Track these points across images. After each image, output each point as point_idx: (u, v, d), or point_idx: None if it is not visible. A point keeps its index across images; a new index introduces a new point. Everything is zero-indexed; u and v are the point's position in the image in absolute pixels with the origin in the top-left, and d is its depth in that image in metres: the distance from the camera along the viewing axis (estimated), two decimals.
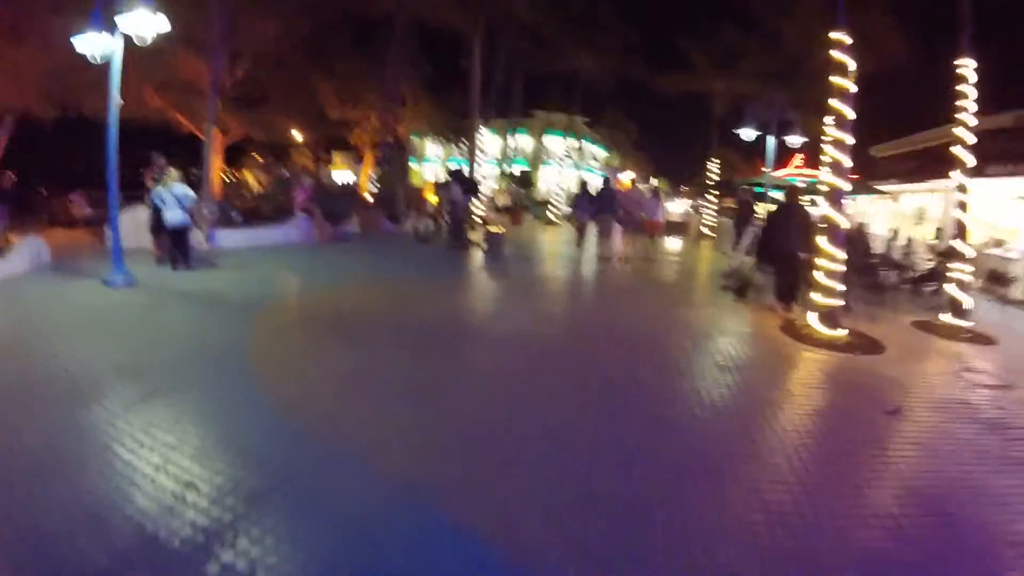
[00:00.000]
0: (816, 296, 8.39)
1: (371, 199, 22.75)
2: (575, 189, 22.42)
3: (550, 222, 29.58)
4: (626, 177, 68.61)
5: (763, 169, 35.94)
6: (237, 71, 22.42)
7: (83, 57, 10.09)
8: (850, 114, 8.06)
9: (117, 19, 9.12)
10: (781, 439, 4.84)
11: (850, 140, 8.10)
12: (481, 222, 24.37)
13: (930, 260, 14.56)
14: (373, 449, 4.37)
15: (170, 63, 20.51)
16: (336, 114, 29.35)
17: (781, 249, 9.46)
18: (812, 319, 8.38)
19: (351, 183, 36.57)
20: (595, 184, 19.58)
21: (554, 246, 20.25)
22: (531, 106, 41.34)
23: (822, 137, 16.51)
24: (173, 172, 12.23)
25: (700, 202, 40.38)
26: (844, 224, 8.40)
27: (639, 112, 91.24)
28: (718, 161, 27.88)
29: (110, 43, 9.64)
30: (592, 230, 16.56)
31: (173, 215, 11.77)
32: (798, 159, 33.00)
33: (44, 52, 16.68)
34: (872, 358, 7.53)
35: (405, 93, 30.11)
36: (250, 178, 46.60)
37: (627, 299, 11.07)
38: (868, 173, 25.33)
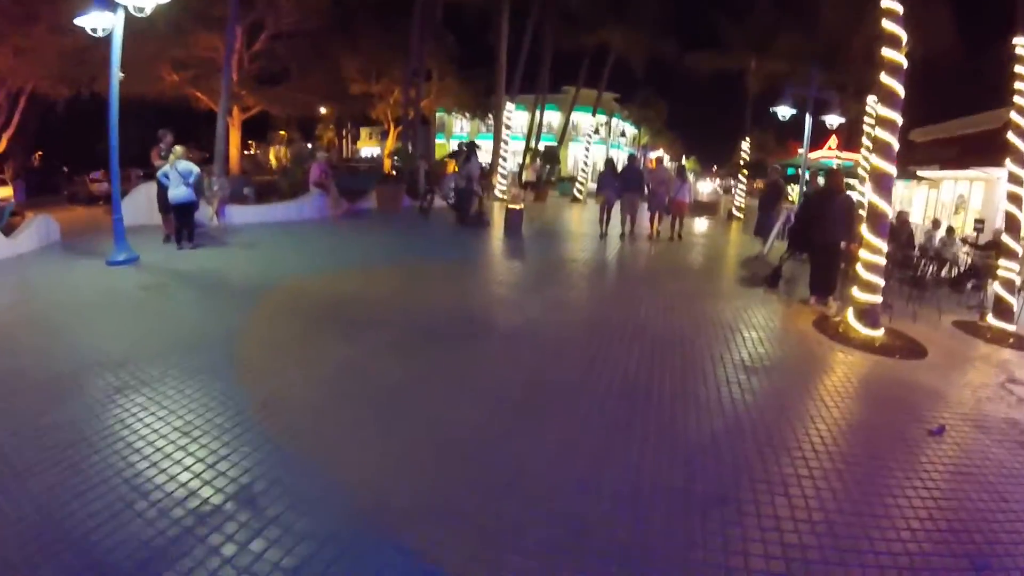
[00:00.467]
0: (855, 291, 7.73)
1: (394, 174, 22.27)
2: (602, 166, 21.70)
3: (575, 199, 28.91)
4: (655, 155, 67.62)
5: (798, 151, 34.99)
6: (255, 45, 22.13)
7: (95, 36, 9.92)
8: (901, 91, 7.29)
9: None
10: (808, 464, 4.27)
11: (900, 120, 7.35)
12: (501, 197, 23.91)
13: (968, 254, 13.74)
14: (344, 463, 3.92)
15: (187, 39, 20.33)
16: (358, 88, 28.95)
17: (820, 237, 8.78)
18: (850, 316, 7.71)
19: (376, 158, 36.39)
20: (622, 161, 18.79)
21: (577, 224, 19.66)
22: (560, 82, 40.54)
23: (864, 118, 15.86)
24: (178, 149, 11.85)
25: (731, 182, 39.45)
26: (890, 213, 7.72)
27: (670, 91, 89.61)
28: (750, 141, 26.84)
29: (111, 18, 9.44)
30: (617, 208, 15.87)
31: (177, 192, 11.49)
32: (833, 141, 31.95)
33: (57, 33, 16.68)
34: (912, 363, 6.87)
35: (430, 67, 29.56)
36: (273, 154, 46.86)
37: (648, 286, 10.35)
38: (907, 158, 24.22)
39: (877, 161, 7.49)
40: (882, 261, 7.48)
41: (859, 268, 7.68)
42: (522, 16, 28.49)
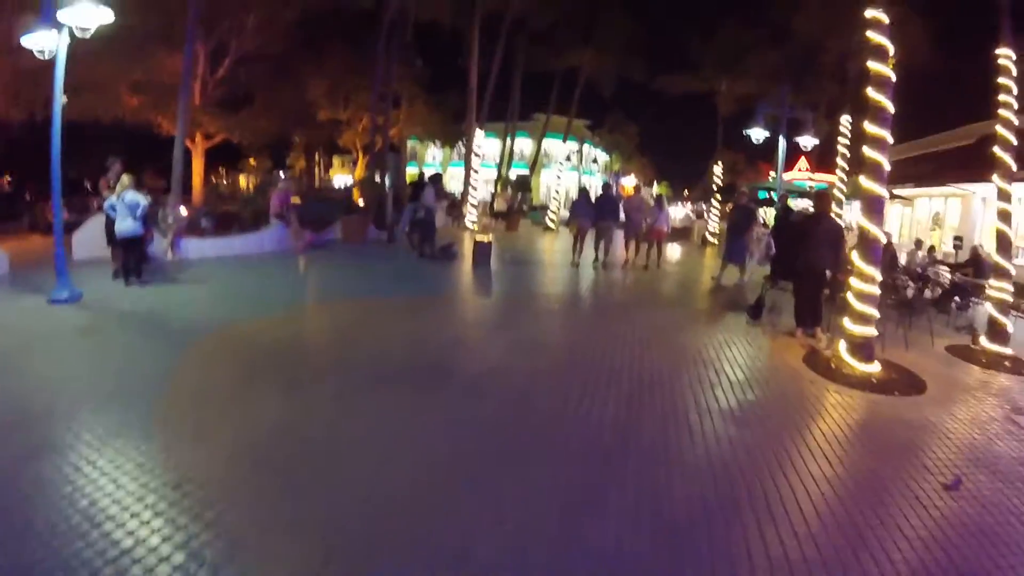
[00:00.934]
0: (848, 323, 7.15)
1: (359, 204, 21.60)
2: (575, 193, 21.37)
3: (548, 228, 28.40)
4: (629, 182, 67.80)
5: (770, 173, 35.00)
6: (218, 71, 21.48)
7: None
8: (890, 106, 6.79)
9: (59, 13, 8.60)
10: (816, 540, 3.64)
11: (890, 138, 6.85)
12: (471, 227, 23.36)
13: (948, 271, 13.38)
14: (254, 551, 3.23)
15: (147, 62, 19.62)
16: (326, 115, 28.34)
17: (806, 265, 8.24)
18: (842, 350, 7.14)
19: (347, 187, 35.66)
20: (595, 188, 18.42)
21: (549, 254, 19.12)
22: (531, 110, 40.33)
23: (839, 139, 15.65)
24: (125, 179, 11.18)
25: (703, 207, 39.32)
26: (882, 238, 7.18)
27: (641, 115, 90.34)
28: (722, 164, 26.65)
29: (55, 39, 9.12)
30: (591, 237, 15.51)
31: (123, 225, 10.82)
32: (803, 163, 31.91)
33: (8, 53, 15.92)
34: (912, 400, 6.32)
35: (399, 92, 29.05)
36: (244, 182, 46.00)
37: (623, 320, 9.60)
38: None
39: (867, 183, 6.97)
40: (875, 290, 6.94)
41: (851, 298, 7.11)
42: (492, 39, 28.21)
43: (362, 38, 24.18)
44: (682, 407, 5.70)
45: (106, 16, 8.95)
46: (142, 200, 11.06)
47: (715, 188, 25.84)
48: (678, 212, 32.80)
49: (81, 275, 10.34)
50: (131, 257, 10.97)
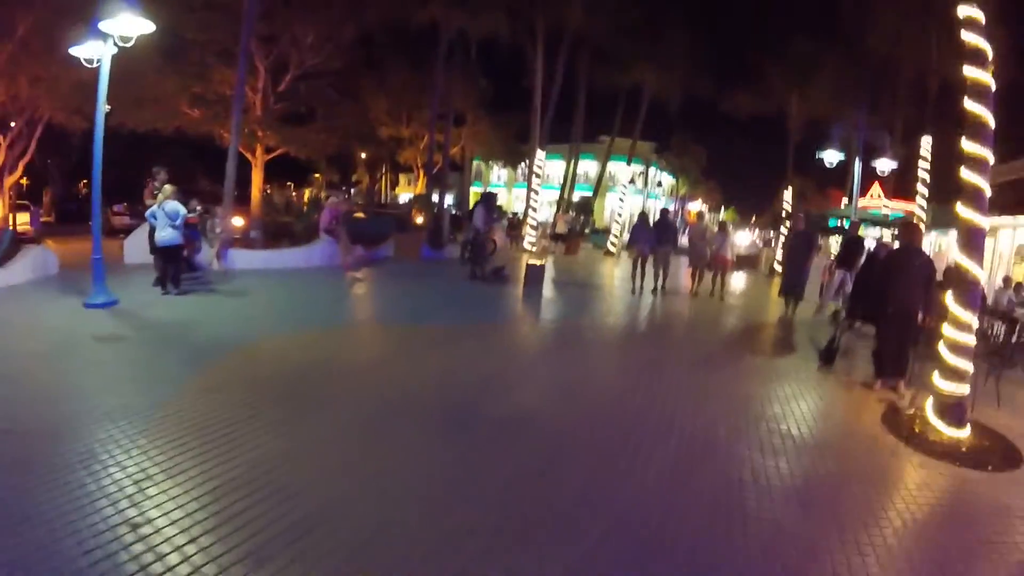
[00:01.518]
0: (938, 380, 6.03)
1: (417, 222, 21.33)
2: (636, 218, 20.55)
3: (609, 252, 27.53)
4: (695, 207, 66.31)
5: (842, 199, 33.21)
6: (280, 86, 21.58)
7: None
8: (990, 120, 5.71)
9: (101, 24, 8.94)
10: None
11: (991, 158, 5.76)
12: (530, 249, 22.77)
13: None
14: None
15: (208, 75, 19.89)
16: (388, 132, 28.34)
17: (899, 306, 7.11)
18: (929, 411, 6.10)
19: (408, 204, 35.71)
20: (655, 213, 17.58)
21: (607, 279, 18.32)
22: (596, 132, 39.64)
23: (918, 162, 14.42)
24: (167, 188, 11.26)
25: (771, 234, 37.74)
26: (983, 278, 6.02)
27: (708, 137, 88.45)
28: (791, 190, 25.35)
29: (101, 48, 9.45)
30: (651, 263, 14.89)
31: (163, 234, 10.85)
32: (876, 188, 30.14)
33: (72, 65, 16.35)
34: (1010, 477, 5.24)
35: (461, 110, 28.88)
36: (307, 195, 46.83)
37: (680, 361, 8.53)
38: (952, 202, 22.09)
39: (965, 211, 5.85)
40: (971, 340, 5.84)
41: (943, 350, 6.02)
42: (554, 57, 27.73)
43: (423, 56, 24.03)
44: (737, 482, 4.71)
45: (147, 27, 9.19)
46: (182, 210, 11.12)
47: (784, 215, 24.57)
48: (744, 239, 31.45)
49: (126, 280, 10.64)
50: (169, 266, 10.94)
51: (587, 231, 34.94)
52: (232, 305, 10.34)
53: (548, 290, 14.52)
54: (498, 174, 61.35)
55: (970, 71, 5.71)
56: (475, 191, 57.66)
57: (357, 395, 6.05)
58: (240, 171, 22.75)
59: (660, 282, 14.83)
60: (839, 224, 24.98)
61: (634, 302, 13.78)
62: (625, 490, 4.44)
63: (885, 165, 15.10)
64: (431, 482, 4.35)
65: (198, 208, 14.92)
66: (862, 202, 29.43)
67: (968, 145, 5.73)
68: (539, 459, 4.86)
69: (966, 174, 5.74)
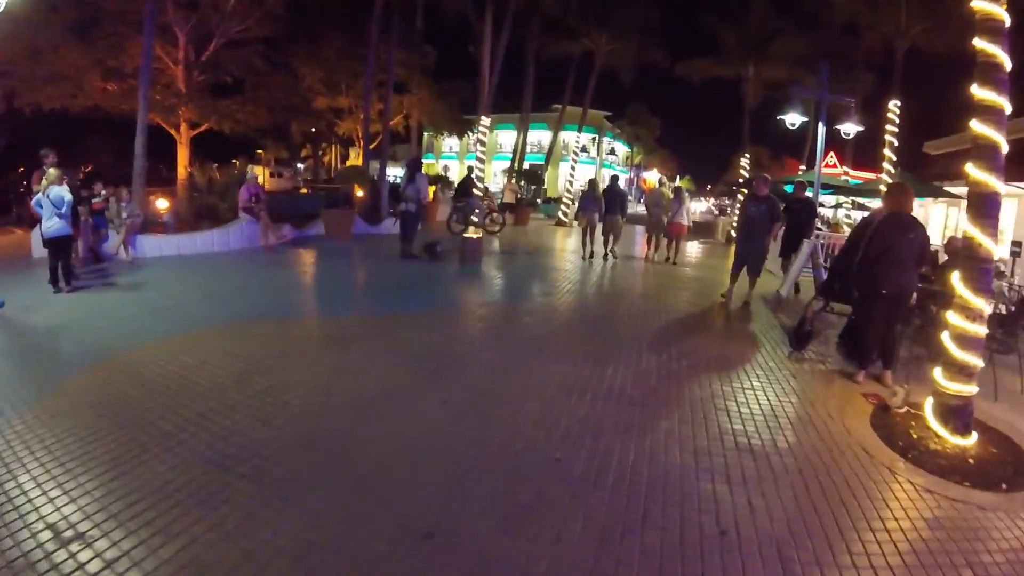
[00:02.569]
0: (940, 377, 5.02)
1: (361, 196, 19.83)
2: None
3: (560, 222, 26.55)
4: (651, 176, 65.70)
5: (799, 168, 32.63)
6: (200, 54, 19.82)
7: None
8: (1006, 61, 4.64)
9: None
10: None
11: (1008, 106, 4.65)
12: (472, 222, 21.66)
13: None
14: None
15: (119, 46, 18.12)
16: (324, 102, 26.61)
17: (896, 287, 6.04)
18: (928, 413, 5.12)
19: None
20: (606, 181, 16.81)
21: (554, 252, 17.26)
22: (548, 100, 38.39)
23: (885, 128, 13.54)
24: (52, 172, 9.92)
25: (726, 202, 37.14)
26: (996, 252, 4.86)
27: (663, 106, 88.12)
28: (749, 157, 24.57)
29: None
30: (600, 231, 15.20)
31: (49, 225, 9.52)
32: (832, 158, 29.46)
33: None
34: None
35: (404, 79, 27.29)
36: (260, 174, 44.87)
37: (625, 353, 7.15)
38: (920, 175, 21.54)
39: (976, 172, 4.75)
40: (982, 331, 4.80)
41: (947, 341, 5.00)
42: (502, 23, 26.36)
43: (361, 23, 22.33)
44: (697, 534, 3.52)
45: None
46: (67, 195, 9.80)
47: (740, 182, 23.79)
48: (700, 207, 30.66)
49: (25, 277, 9.86)
50: (59, 260, 9.55)
51: (538, 200, 33.89)
52: (127, 302, 8.99)
53: (490, 265, 13.51)
54: (449, 145, 59.66)
55: (979, 4, 4.65)
56: (427, 162, 56.15)
57: (206, 426, 4.68)
58: (166, 149, 21.11)
59: (611, 247, 15.14)
60: (793, 192, 24.10)
61: (582, 274, 13.01)
62: (544, 556, 3.24)
63: (851, 128, 14.20)
64: (274, 554, 3.16)
65: (103, 192, 13.45)
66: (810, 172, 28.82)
67: (980, 91, 4.62)
68: (429, 513, 3.59)
69: (977, 126, 4.64)
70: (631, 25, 27.71)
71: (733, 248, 10.81)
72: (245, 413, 4.93)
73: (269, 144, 45.61)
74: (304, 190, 31.60)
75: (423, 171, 14.05)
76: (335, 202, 17.19)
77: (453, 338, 7.64)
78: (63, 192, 9.56)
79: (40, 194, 9.55)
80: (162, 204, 19.45)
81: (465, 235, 12.98)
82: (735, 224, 14.67)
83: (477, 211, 16.75)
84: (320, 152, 48.00)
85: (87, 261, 12.21)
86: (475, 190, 17.74)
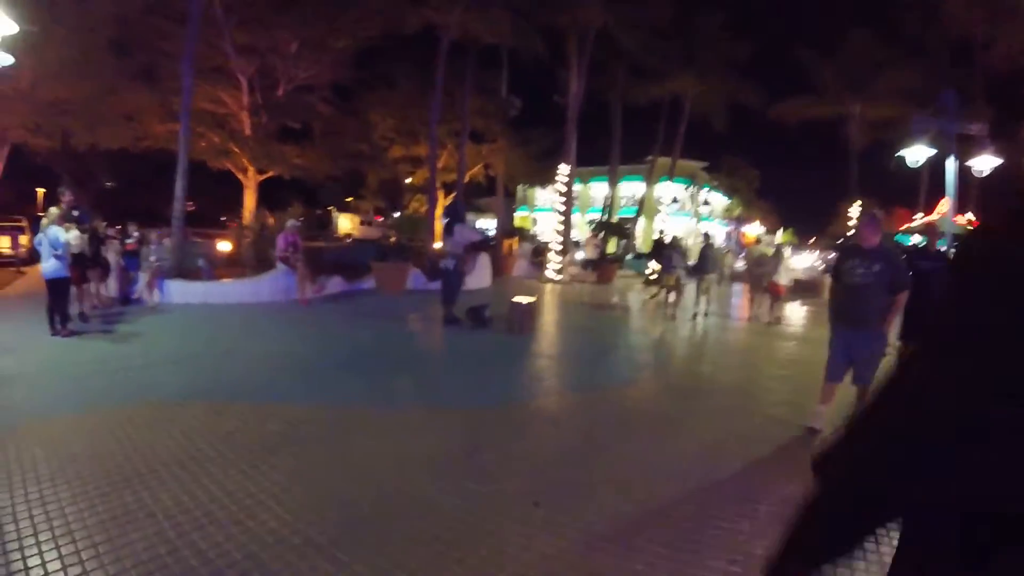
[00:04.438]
0: None
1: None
2: (690, 241, 18.27)
3: (649, 280, 24.16)
4: (751, 230, 62.44)
5: (914, 217, 29.10)
6: (268, 99, 19.51)
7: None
8: None
9: None
10: None
11: None
12: (552, 279, 19.98)
13: None
14: None
15: (198, 91, 17.98)
16: (399, 151, 25.95)
17: None
18: None
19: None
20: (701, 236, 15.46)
21: (632, 311, 15.30)
22: (642, 151, 36.62)
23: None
24: (52, 211, 9.59)
25: (831, 256, 33.74)
26: None
27: (760, 153, 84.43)
28: (860, 203, 21.85)
29: None
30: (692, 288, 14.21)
31: (46, 265, 8.98)
32: (945, 204, 25.96)
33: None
34: None
35: (481, 129, 26.39)
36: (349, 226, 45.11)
37: (705, 464, 5.24)
38: None
39: None
40: None
41: None
42: (583, 71, 25.09)
43: (433, 68, 21.59)
44: None
45: (9, 28, 8.45)
46: (63, 236, 9.03)
47: (849, 234, 21.07)
48: (803, 262, 27.74)
49: (37, 317, 9.22)
50: (54, 302, 9.04)
51: (628, 256, 31.72)
52: (104, 355, 7.92)
53: (552, 331, 11.63)
54: (545, 198, 58.33)
55: None
56: (520, 215, 55.05)
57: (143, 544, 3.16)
58: (233, 194, 20.86)
59: (702, 308, 13.76)
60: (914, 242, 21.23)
61: (660, 345, 10.88)
62: None
63: (984, 164, 11.39)
64: None
65: (135, 233, 12.80)
66: (937, 218, 25.41)
67: None
68: None
69: None
70: (718, 63, 25.74)
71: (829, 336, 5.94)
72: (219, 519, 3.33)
73: (369, 194, 45.44)
74: (393, 239, 31.01)
75: (468, 221, 12.45)
76: (384, 254, 15.88)
77: (459, 449, 5.20)
78: (59, 233, 9.12)
79: (41, 233, 9.06)
80: (225, 247, 18.96)
81: (515, 299, 10.99)
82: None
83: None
84: (405, 202, 47.96)
85: (115, 303, 11.95)
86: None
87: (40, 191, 47.95)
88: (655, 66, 25.91)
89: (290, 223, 13.55)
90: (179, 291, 12.32)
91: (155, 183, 24.88)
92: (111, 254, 12.40)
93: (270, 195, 29.32)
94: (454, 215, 12.08)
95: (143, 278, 12.15)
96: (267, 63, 18.55)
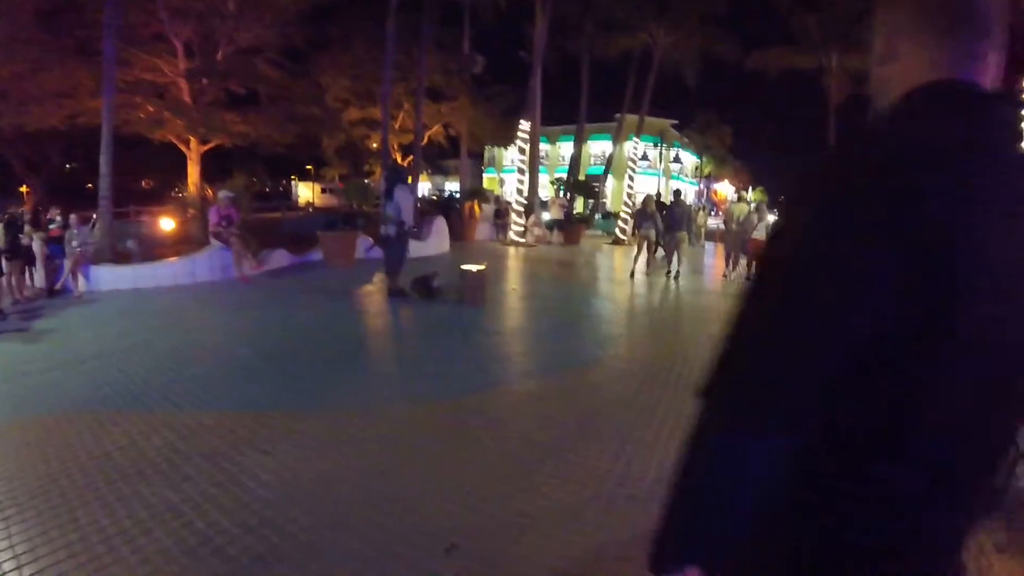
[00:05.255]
0: None
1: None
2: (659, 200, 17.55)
3: (617, 240, 23.42)
4: (723, 188, 61.75)
5: None
6: (208, 65, 18.14)
7: None
8: None
9: None
10: None
11: None
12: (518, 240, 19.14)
13: None
14: None
15: (130, 59, 16.63)
16: (357, 114, 24.65)
17: None
18: None
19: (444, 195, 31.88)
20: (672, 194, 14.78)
21: (601, 278, 14.58)
22: (612, 109, 35.50)
23: None
24: None
25: None
26: None
27: (734, 109, 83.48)
28: None
29: None
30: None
31: None
32: None
33: None
34: None
35: (439, 86, 25.19)
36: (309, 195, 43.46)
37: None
38: None
39: None
40: None
41: None
42: (551, 26, 23.86)
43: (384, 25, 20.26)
44: None
45: None
46: None
47: None
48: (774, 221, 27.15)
49: None
50: None
51: (597, 215, 30.81)
52: (7, 358, 6.98)
53: (508, 302, 10.78)
54: (512, 158, 56.93)
55: None
56: (489, 177, 53.72)
57: None
58: (177, 165, 19.52)
59: (674, 267, 13.44)
60: None
61: (631, 312, 10.26)
62: None
63: None
64: None
65: (57, 218, 11.73)
66: None
67: None
68: None
69: None
70: (692, 11, 24.58)
71: None
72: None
73: (336, 161, 43.85)
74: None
75: (407, 180, 11.34)
76: (333, 223, 14.79)
77: (342, 491, 4.17)
78: None
79: None
80: (168, 224, 17.79)
81: (463, 268, 10.07)
82: None
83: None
84: (367, 168, 46.46)
85: (42, 295, 10.81)
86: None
87: None
88: (625, 18, 24.74)
89: (222, 194, 12.46)
90: (107, 277, 11.24)
91: (118, 162, 23.57)
92: (36, 243, 11.41)
93: (222, 166, 27.94)
94: (395, 177, 10.70)
95: (67, 266, 11.07)
96: (206, 25, 17.14)
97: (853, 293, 0.88)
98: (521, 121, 21.13)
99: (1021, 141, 0.97)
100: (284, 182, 62.96)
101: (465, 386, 6.07)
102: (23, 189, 32.29)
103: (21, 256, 10.66)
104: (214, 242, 12.13)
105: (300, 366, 6.69)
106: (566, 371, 6.67)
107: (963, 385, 0.92)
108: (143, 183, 46.27)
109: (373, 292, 10.98)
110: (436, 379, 6.30)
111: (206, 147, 18.89)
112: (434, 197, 27.79)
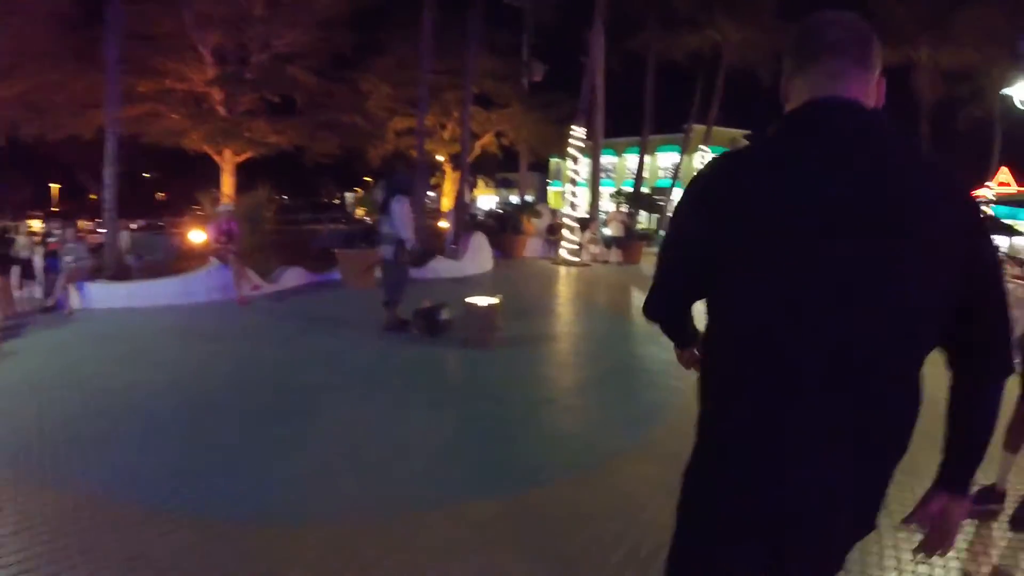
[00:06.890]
0: None
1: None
2: None
3: None
4: None
5: (987, 184, 25.63)
6: (241, 73, 17.51)
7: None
8: None
9: None
10: None
11: None
12: (566, 261, 17.63)
13: None
14: None
15: (158, 68, 16.16)
16: (404, 123, 23.62)
17: None
18: None
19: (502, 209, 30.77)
20: None
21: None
22: (679, 121, 33.54)
23: None
24: None
25: None
26: None
27: None
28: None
29: None
30: None
31: None
32: (1004, 174, 22.98)
33: None
34: None
35: (491, 92, 24.02)
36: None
37: None
38: None
39: None
40: None
41: None
42: (609, 28, 22.25)
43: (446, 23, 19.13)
44: None
45: None
46: None
47: None
48: None
49: None
50: None
51: (660, 232, 28.71)
52: None
53: (530, 342, 8.62)
54: (581, 171, 55.09)
55: None
56: (554, 191, 52.22)
57: None
58: (210, 176, 18.89)
59: None
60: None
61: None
62: None
63: None
64: None
65: (56, 232, 11.05)
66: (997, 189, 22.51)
67: None
68: None
69: None
70: (766, 5, 22.49)
71: None
72: None
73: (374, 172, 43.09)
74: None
75: (409, 190, 9.47)
76: (351, 239, 13.55)
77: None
78: None
79: None
80: (198, 236, 17.10)
81: (469, 301, 8.13)
82: None
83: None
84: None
85: (36, 310, 10.03)
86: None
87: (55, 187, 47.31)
88: (689, 13, 22.96)
89: (222, 207, 11.47)
90: (102, 294, 10.37)
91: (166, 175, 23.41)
92: (36, 256, 10.92)
93: (281, 180, 27.43)
94: (395, 187, 8.84)
95: (60, 281, 10.30)
96: (234, 32, 16.48)
97: (684, 234, 1.52)
98: (573, 127, 19.51)
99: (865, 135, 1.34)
100: (340, 194, 63.24)
101: (452, 489, 4.27)
102: (93, 196, 32.92)
103: (6, 271, 9.99)
104: (211, 260, 11.14)
105: (207, 431, 5.25)
106: (587, 469, 4.53)
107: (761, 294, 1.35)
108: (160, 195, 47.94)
109: (372, 325, 9.10)
110: (411, 465, 4.65)
111: (240, 158, 18.23)
112: (500, 211, 26.39)
